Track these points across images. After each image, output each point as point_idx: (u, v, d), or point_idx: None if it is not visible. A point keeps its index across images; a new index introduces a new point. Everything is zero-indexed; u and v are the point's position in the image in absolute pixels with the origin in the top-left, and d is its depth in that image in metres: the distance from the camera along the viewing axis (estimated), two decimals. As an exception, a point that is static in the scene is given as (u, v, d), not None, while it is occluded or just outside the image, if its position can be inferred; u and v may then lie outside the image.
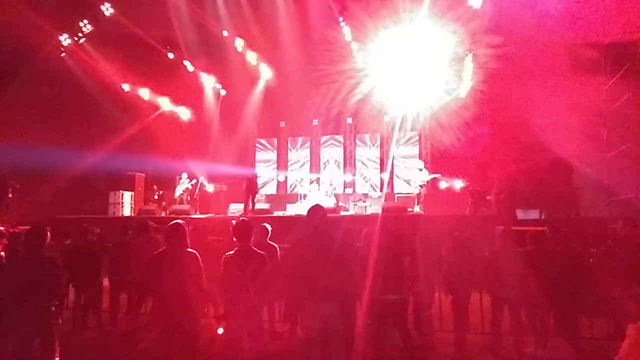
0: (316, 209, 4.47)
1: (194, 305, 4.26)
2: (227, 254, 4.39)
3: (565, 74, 11.66)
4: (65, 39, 13.36)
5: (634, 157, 8.70)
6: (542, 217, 12.61)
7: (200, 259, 4.26)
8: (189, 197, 15.36)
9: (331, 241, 4.33)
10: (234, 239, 4.42)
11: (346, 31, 14.24)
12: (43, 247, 4.25)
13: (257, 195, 14.92)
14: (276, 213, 14.70)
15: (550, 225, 7.07)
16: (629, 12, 8.59)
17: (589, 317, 6.26)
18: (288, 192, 18.51)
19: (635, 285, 5.59)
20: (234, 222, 4.53)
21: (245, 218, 4.87)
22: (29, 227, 4.67)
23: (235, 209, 14.93)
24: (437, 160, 15.96)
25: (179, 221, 4.47)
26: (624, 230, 6.20)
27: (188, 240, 4.47)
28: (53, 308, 4.27)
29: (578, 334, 6.17)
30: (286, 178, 18.94)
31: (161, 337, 4.33)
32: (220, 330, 4.48)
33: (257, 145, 19.49)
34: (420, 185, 13.94)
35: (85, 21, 13.24)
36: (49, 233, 7.53)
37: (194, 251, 4.36)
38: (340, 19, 13.79)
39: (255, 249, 4.40)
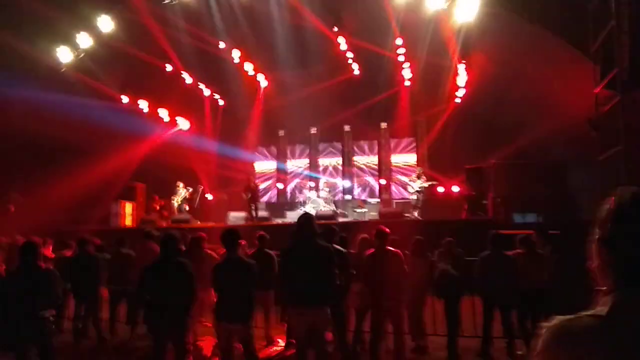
0: (305, 218, 4.61)
1: (186, 314, 4.38)
2: (217, 263, 4.52)
3: (556, 79, 11.80)
4: (64, 55, 13.58)
5: (625, 159, 8.78)
6: (540, 220, 12.68)
7: (190, 268, 4.38)
8: (187, 207, 15.48)
9: (319, 249, 4.46)
10: (223, 248, 4.56)
11: (341, 41, 14.42)
12: (38, 259, 4.38)
13: (258, 204, 15.08)
14: (276, 221, 14.84)
15: (540, 228, 7.17)
16: (616, 20, 8.74)
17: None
18: (287, 199, 18.64)
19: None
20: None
21: (232, 227, 5.01)
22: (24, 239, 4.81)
23: (235, 217, 15.06)
24: (434, 165, 16.08)
25: (172, 231, 4.61)
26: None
27: (181, 250, 4.61)
28: (51, 318, 4.40)
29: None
30: (285, 186, 19.08)
31: (155, 347, 4.45)
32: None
33: (256, 153, 19.65)
34: (418, 192, 14.05)
35: (85, 35, 13.45)
36: (50, 244, 7.76)
37: (186, 260, 4.49)
38: (335, 29, 13.98)
39: (243, 257, 4.53)
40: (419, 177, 14.38)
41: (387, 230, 5.77)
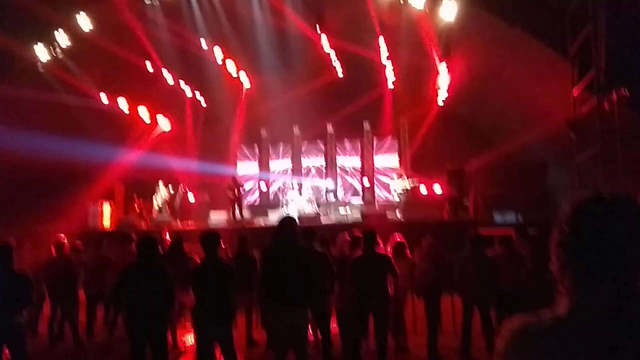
0: (286, 219, 4.60)
1: (163, 317, 4.32)
2: (196, 265, 4.48)
3: (536, 81, 11.99)
4: (42, 53, 13.30)
5: (601, 160, 8.97)
6: (520, 220, 12.85)
7: (168, 271, 4.32)
8: (167, 207, 15.30)
9: (300, 250, 4.45)
10: (202, 250, 4.51)
11: (324, 41, 14.42)
12: (11, 261, 4.28)
13: (242, 204, 14.98)
14: (258, 222, 14.77)
15: (520, 228, 7.28)
16: (592, 24, 8.94)
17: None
18: (270, 200, 18.57)
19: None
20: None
21: (212, 229, 4.96)
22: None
23: (217, 217, 14.96)
24: (416, 166, 16.19)
25: (150, 233, 4.55)
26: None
27: (159, 252, 4.54)
28: (23, 321, 4.30)
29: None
30: (268, 186, 19.01)
31: (133, 350, 4.37)
32: None
33: (238, 153, 19.54)
34: (400, 193, 14.15)
35: (63, 34, 13.21)
36: (25, 245, 7.59)
37: (163, 263, 4.42)
38: (318, 28, 13.97)
39: (222, 259, 4.49)
40: (400, 178, 14.51)
41: (375, 232, 5.77)
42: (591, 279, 1.06)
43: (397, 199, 14.60)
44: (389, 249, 6.67)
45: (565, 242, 1.11)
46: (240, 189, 14.93)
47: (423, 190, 15.14)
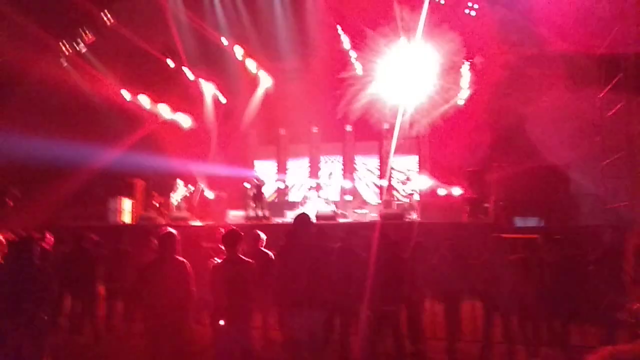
0: (300, 217, 4.54)
1: (183, 312, 4.31)
2: (215, 262, 4.45)
3: (560, 83, 11.72)
4: (66, 49, 13.52)
5: (627, 165, 8.73)
6: (541, 224, 12.61)
7: (189, 267, 4.31)
8: (185, 205, 15.39)
9: (317, 250, 4.40)
10: (222, 247, 4.48)
11: (344, 39, 14.34)
12: (32, 255, 4.31)
13: (263, 202, 15.00)
14: (275, 220, 14.76)
15: (544, 232, 7.12)
16: (622, 25, 8.69)
17: (581, 325, 6.26)
18: (287, 199, 18.55)
19: (622, 295, 5.60)
20: (222, 230, 4.60)
21: (234, 227, 4.91)
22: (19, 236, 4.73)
23: (235, 215, 14.99)
24: (436, 168, 16.00)
25: (170, 229, 4.54)
26: (611, 239, 6.25)
27: (179, 248, 4.53)
28: (45, 317, 4.32)
29: (570, 342, 6.19)
30: (286, 185, 18.99)
31: (152, 345, 4.38)
32: (221, 322, 4.42)
33: (257, 152, 19.57)
34: (409, 194, 14.06)
35: (86, 30, 13.41)
36: (49, 239, 7.67)
37: (183, 259, 4.42)
38: (338, 27, 13.90)
39: (242, 257, 4.45)
40: (408, 180, 14.44)
41: (390, 235, 5.71)
42: None
43: (407, 201, 14.46)
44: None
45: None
46: (262, 187, 14.98)
47: (441, 191, 14.97)
